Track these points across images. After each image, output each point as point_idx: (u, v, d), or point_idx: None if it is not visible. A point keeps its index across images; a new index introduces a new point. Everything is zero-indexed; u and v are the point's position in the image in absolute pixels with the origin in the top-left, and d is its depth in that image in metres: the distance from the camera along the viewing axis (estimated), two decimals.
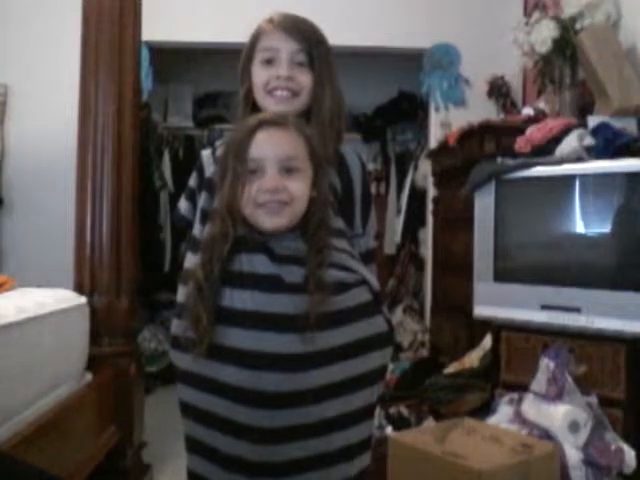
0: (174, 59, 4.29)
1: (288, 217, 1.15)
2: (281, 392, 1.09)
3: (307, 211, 1.18)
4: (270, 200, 1.13)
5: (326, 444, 1.13)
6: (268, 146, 1.15)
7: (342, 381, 1.14)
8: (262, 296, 1.12)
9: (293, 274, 1.13)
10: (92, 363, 2.17)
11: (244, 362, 1.10)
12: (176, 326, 1.22)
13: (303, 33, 1.30)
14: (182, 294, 1.21)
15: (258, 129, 1.16)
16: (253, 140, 1.15)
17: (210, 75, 4.69)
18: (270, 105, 1.29)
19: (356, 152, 1.35)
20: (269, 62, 1.29)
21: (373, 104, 4.86)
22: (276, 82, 1.28)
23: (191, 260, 1.22)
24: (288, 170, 1.15)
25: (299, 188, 1.15)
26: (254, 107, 1.32)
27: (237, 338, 1.11)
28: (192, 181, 1.34)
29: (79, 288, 2.26)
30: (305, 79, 1.29)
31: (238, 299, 1.13)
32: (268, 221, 1.14)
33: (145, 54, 3.47)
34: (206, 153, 1.34)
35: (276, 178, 1.14)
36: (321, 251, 1.15)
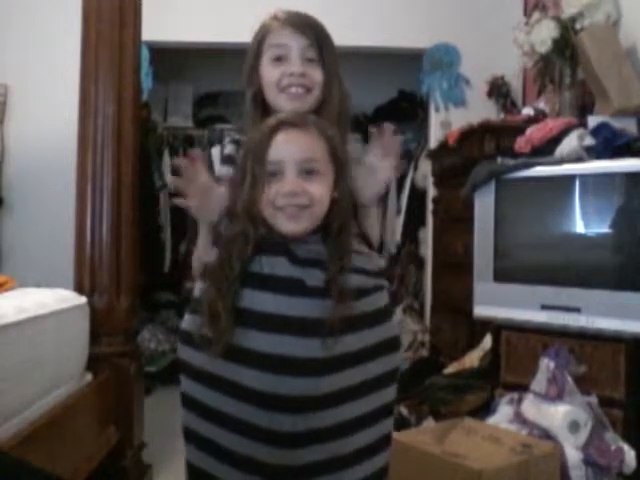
0: (174, 59, 4.29)
1: (308, 221, 1.13)
2: (300, 396, 1.08)
3: (328, 213, 1.15)
4: (289, 204, 1.11)
5: (342, 446, 1.12)
6: (287, 148, 1.13)
7: (358, 384, 1.14)
8: (283, 299, 1.10)
9: (315, 278, 1.11)
10: (92, 363, 2.17)
11: (263, 365, 1.09)
12: (189, 322, 1.20)
13: (311, 28, 1.28)
14: (199, 289, 1.19)
15: (277, 130, 1.14)
16: (272, 142, 1.13)
17: (210, 75, 4.69)
18: (283, 102, 1.26)
19: (364, 149, 1.34)
20: (279, 59, 1.26)
21: (373, 104, 4.86)
22: (289, 79, 1.25)
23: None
24: (308, 172, 1.13)
25: (319, 191, 1.12)
26: (264, 106, 1.30)
27: (256, 340, 1.10)
28: None
29: (79, 288, 2.26)
30: (317, 75, 1.27)
31: (258, 301, 1.11)
32: (286, 225, 1.12)
33: (145, 54, 3.47)
34: (215, 152, 1.33)
35: (295, 181, 1.11)
36: (342, 256, 1.13)
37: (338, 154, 1.17)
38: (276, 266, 1.12)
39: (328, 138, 1.16)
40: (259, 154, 1.13)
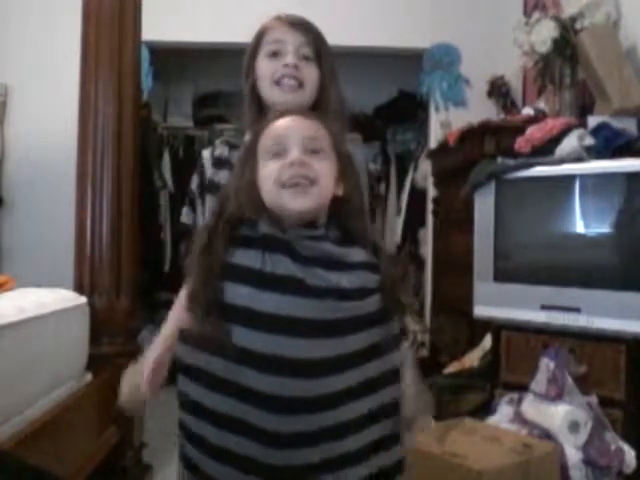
0: (174, 59, 4.29)
1: (314, 199, 1.09)
2: (299, 398, 1.06)
3: (335, 212, 1.13)
4: (295, 175, 1.07)
5: (341, 446, 1.10)
6: (291, 126, 1.10)
7: (358, 385, 1.12)
8: (284, 299, 1.07)
9: (316, 277, 1.08)
10: (92, 363, 2.17)
11: (262, 366, 1.06)
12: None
13: (309, 28, 1.30)
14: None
15: (280, 117, 1.13)
16: (274, 125, 1.11)
17: (210, 75, 4.68)
18: (277, 95, 1.26)
19: (362, 151, 1.34)
20: (275, 54, 1.28)
21: (373, 104, 4.87)
22: (283, 70, 1.26)
23: None
24: (313, 151, 1.09)
25: (325, 168, 1.10)
26: (259, 103, 1.31)
27: (255, 340, 1.07)
28: (193, 184, 1.32)
29: (79, 288, 2.26)
30: (311, 72, 1.28)
31: (258, 299, 1.08)
32: (293, 202, 1.07)
33: (145, 54, 3.47)
34: (206, 154, 1.32)
35: (300, 154, 1.08)
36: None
37: (341, 148, 1.15)
38: (277, 264, 1.09)
39: (330, 131, 1.15)
40: (258, 141, 1.11)
